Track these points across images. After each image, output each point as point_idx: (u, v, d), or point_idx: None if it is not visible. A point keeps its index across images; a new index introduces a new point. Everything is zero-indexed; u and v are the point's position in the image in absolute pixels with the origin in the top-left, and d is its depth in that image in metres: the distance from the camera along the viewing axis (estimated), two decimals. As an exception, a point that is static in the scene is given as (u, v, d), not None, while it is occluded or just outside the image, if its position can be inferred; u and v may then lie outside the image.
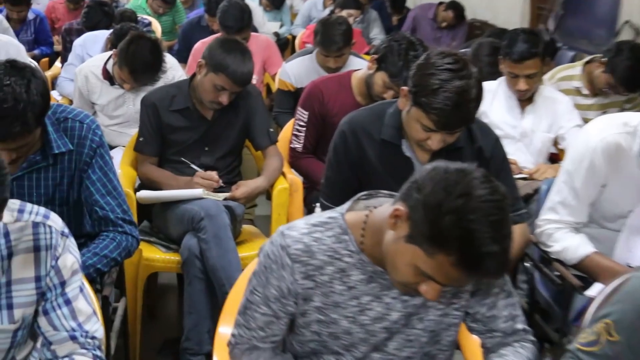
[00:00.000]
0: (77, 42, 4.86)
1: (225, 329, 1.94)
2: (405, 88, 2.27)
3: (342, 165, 2.51)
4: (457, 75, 2.11)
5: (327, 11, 6.84)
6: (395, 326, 1.67)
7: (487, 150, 2.43)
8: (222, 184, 3.09)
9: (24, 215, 1.65)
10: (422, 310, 1.67)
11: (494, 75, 3.42)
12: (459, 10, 6.81)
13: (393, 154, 2.41)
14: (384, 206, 1.61)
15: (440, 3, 6.91)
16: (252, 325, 1.71)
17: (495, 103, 3.31)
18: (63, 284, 1.71)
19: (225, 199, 3.01)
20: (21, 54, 4.20)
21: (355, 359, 1.70)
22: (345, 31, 4.11)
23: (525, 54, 3.14)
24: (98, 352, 1.73)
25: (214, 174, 3.08)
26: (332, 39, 4.07)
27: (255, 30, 5.32)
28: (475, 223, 1.34)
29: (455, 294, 1.68)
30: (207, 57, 3.07)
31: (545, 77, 3.71)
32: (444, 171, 1.42)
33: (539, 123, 3.33)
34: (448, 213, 1.35)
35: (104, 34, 4.73)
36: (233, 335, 1.78)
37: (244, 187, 3.08)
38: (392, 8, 7.80)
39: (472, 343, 1.88)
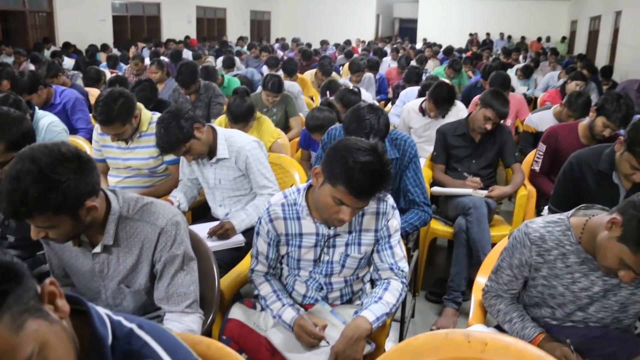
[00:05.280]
0: (402, 92, 5.04)
1: (480, 279, 1.95)
2: (622, 137, 2.10)
3: (568, 185, 2.39)
4: None
5: (561, 81, 6.38)
6: (596, 296, 1.58)
7: None
8: (483, 186, 3.04)
9: None
10: (616, 288, 1.57)
11: None
12: None
13: (605, 181, 2.25)
14: (600, 215, 1.53)
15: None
16: (500, 281, 1.71)
17: None
18: (389, 236, 1.77)
19: (485, 196, 2.97)
20: (371, 99, 4.51)
21: (564, 313, 1.63)
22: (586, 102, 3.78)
23: None
24: (404, 280, 1.80)
25: (478, 179, 3.05)
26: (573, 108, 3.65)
27: (513, 90, 5.16)
28: None
29: None
30: (481, 99, 3.06)
31: None
32: None
33: None
34: None
35: (416, 88, 4.85)
36: (486, 285, 1.79)
37: (497, 190, 3.00)
38: (602, 77, 6.94)
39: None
